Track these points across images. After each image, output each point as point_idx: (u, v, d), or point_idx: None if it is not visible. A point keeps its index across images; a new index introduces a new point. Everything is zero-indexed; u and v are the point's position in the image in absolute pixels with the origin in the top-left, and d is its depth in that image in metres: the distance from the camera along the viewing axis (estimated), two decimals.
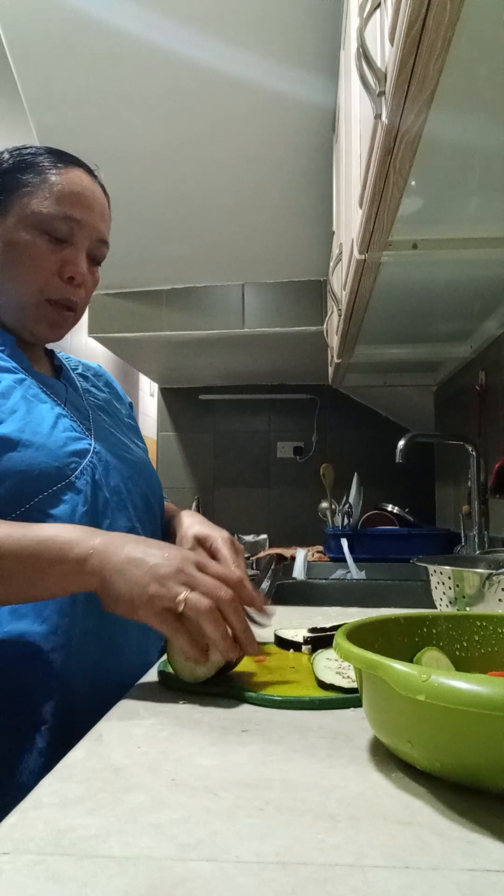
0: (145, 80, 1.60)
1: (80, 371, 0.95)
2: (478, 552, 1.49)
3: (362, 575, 1.88)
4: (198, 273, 2.53)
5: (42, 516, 0.70)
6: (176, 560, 0.60)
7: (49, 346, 0.91)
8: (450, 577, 0.99)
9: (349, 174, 1.24)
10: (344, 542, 1.98)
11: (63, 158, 0.81)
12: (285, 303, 2.55)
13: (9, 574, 0.61)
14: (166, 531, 0.89)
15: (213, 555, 0.77)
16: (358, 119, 1.04)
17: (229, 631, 0.59)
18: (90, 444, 0.78)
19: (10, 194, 0.78)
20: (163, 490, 1.01)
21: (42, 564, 0.61)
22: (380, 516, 2.39)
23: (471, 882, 0.30)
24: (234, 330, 2.55)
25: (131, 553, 0.61)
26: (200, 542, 0.80)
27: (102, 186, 0.84)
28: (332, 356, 2.18)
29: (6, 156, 0.81)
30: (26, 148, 0.81)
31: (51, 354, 0.92)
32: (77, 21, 1.44)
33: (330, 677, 0.60)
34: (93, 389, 0.92)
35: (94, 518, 0.75)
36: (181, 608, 0.57)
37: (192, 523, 0.84)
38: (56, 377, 0.87)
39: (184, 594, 0.57)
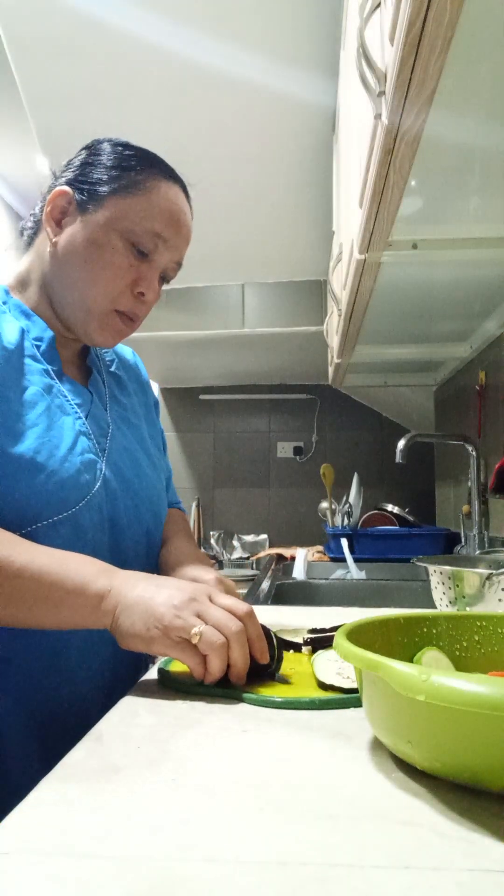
0: (145, 80, 1.60)
1: (113, 369, 0.92)
2: (478, 552, 1.49)
3: (362, 575, 1.88)
4: (198, 273, 2.52)
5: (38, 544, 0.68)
6: (188, 591, 0.61)
7: None
8: (450, 577, 0.99)
9: (349, 174, 1.24)
10: (344, 542, 1.97)
11: (168, 172, 0.79)
12: (285, 303, 2.55)
13: (28, 598, 0.61)
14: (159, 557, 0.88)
15: None
16: (358, 119, 1.04)
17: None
18: (101, 471, 0.76)
19: (106, 187, 0.76)
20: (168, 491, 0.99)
21: (60, 594, 0.61)
22: (380, 516, 2.39)
23: (471, 882, 0.30)
24: (234, 330, 2.55)
25: (144, 589, 0.62)
26: None
27: (191, 207, 0.83)
28: (332, 356, 2.18)
29: (107, 147, 0.78)
30: (130, 147, 0.79)
31: (85, 351, 0.89)
32: (77, 21, 1.44)
33: (330, 677, 0.59)
34: (119, 396, 0.90)
35: (90, 553, 0.73)
36: (196, 640, 0.58)
37: (182, 562, 0.83)
38: (85, 380, 0.85)
39: (199, 627, 0.58)
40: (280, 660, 0.64)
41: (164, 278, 0.82)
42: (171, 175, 0.79)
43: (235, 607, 0.61)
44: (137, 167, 0.77)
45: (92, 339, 0.80)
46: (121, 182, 0.76)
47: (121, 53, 1.52)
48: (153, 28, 1.44)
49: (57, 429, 0.73)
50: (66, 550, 0.69)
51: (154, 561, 0.87)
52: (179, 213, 0.78)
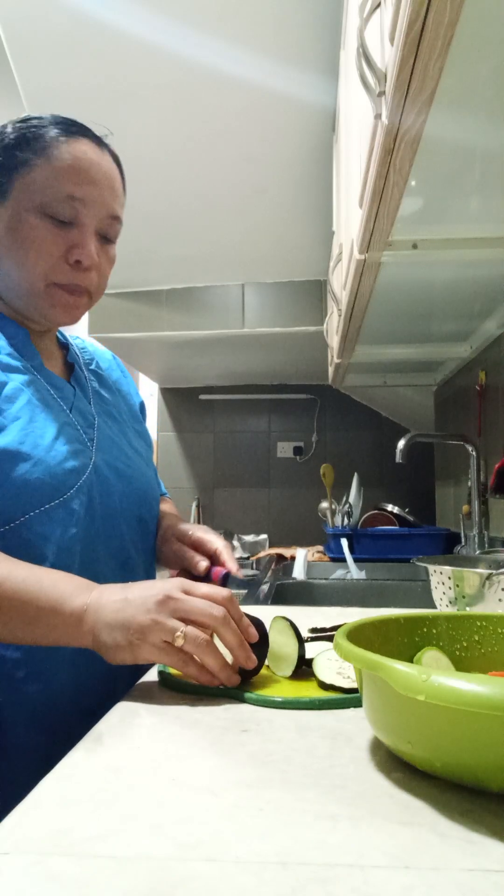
0: (145, 80, 1.60)
1: (93, 367, 0.92)
2: (478, 552, 1.49)
3: (362, 575, 1.88)
4: (198, 273, 2.52)
5: (32, 534, 0.69)
6: (160, 591, 0.59)
7: (65, 331, 0.89)
8: (450, 577, 0.99)
9: (349, 174, 1.24)
10: (344, 542, 1.97)
11: (68, 129, 0.75)
12: (285, 303, 2.55)
13: (5, 614, 0.61)
14: (163, 538, 0.88)
15: (213, 557, 0.79)
16: (358, 119, 1.04)
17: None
18: (90, 459, 0.77)
19: (11, 173, 0.74)
20: (163, 488, 1.00)
21: (35, 612, 0.60)
22: (380, 516, 2.39)
23: (471, 882, 0.30)
24: (234, 330, 2.55)
25: (116, 602, 0.60)
26: (197, 547, 0.82)
27: (114, 155, 0.79)
28: (332, 356, 2.18)
29: (9, 129, 0.76)
30: (31, 119, 0.76)
31: (65, 347, 0.89)
32: (77, 20, 1.44)
33: (330, 677, 0.59)
34: (102, 391, 0.90)
35: (85, 541, 0.74)
36: (180, 642, 0.57)
37: (187, 527, 0.84)
38: (67, 376, 0.85)
39: (182, 629, 0.57)
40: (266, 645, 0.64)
41: (106, 237, 0.79)
42: (74, 131, 0.76)
43: (213, 594, 0.60)
44: (37, 138, 0.74)
45: (48, 318, 0.78)
46: (19, 160, 0.73)
47: (121, 53, 1.52)
48: (153, 28, 1.44)
49: (40, 420, 0.73)
50: (55, 541, 0.69)
51: (150, 548, 0.87)
52: (90, 166, 0.75)
